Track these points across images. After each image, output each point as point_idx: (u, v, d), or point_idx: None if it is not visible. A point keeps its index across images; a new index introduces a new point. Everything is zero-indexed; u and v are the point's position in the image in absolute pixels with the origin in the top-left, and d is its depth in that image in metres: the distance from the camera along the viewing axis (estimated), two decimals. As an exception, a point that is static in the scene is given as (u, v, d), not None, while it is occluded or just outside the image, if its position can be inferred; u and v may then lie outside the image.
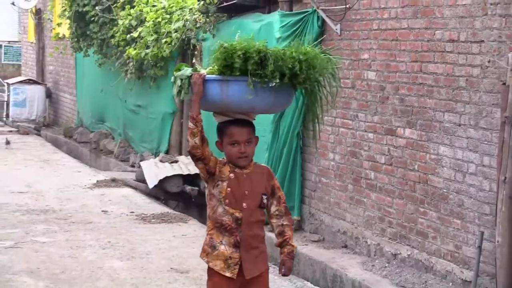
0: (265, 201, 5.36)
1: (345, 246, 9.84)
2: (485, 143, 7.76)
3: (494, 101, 7.60)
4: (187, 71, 5.33)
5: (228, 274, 5.25)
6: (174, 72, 5.43)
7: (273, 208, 5.42)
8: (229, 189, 5.27)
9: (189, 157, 13.99)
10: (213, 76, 5.21)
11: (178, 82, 5.34)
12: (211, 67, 5.29)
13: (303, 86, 5.33)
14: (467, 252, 7.98)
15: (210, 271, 5.33)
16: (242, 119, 5.31)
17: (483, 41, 7.74)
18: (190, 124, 5.19)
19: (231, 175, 5.30)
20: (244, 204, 5.28)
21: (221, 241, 5.29)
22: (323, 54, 5.40)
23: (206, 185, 5.41)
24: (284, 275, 5.39)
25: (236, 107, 5.22)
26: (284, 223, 5.41)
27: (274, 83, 5.11)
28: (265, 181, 5.39)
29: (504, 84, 7.33)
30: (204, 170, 5.27)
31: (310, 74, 5.22)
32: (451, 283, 8.14)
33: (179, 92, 5.35)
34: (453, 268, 8.14)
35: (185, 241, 10.06)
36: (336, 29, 9.85)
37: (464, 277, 7.98)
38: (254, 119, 5.42)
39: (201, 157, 5.21)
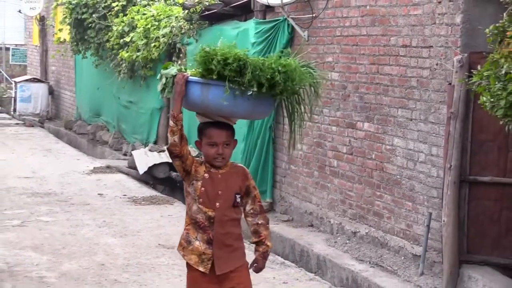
0: (238, 200, 4.93)
1: (311, 225, 9.85)
2: (433, 136, 7.79)
3: (441, 99, 7.63)
4: (172, 70, 4.92)
5: (201, 269, 4.88)
6: (162, 70, 4.99)
7: (248, 207, 5.00)
8: (203, 188, 4.86)
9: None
10: (195, 78, 4.77)
11: (163, 80, 4.92)
12: (195, 69, 4.86)
13: (280, 97, 4.84)
14: (417, 230, 8.01)
15: (188, 265, 4.97)
16: (222, 122, 4.87)
17: (432, 46, 7.76)
18: (171, 122, 4.78)
19: (206, 175, 4.88)
20: (217, 204, 4.86)
21: (196, 237, 4.90)
22: (304, 67, 4.92)
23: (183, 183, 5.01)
24: (254, 272, 5.03)
25: (216, 110, 4.77)
26: (259, 222, 5.01)
27: (251, 92, 4.67)
28: (239, 181, 4.95)
29: (450, 84, 7.36)
30: (181, 167, 4.85)
31: (287, 86, 4.75)
32: (403, 257, 8.17)
33: (163, 89, 4.93)
34: (405, 244, 8.17)
35: (171, 221, 10.04)
36: (304, 35, 9.85)
37: (414, 252, 8.01)
38: (235, 123, 4.98)
39: (178, 154, 4.79)
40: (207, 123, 4.89)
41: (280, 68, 4.70)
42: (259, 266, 5.01)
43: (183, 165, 4.84)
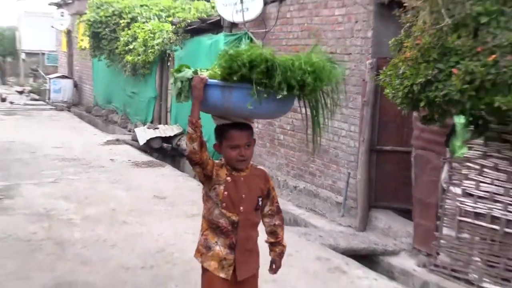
0: (260, 203, 3.66)
1: (264, 181, 9.88)
2: (352, 117, 7.84)
3: (357, 91, 7.68)
4: (187, 73, 3.43)
5: (222, 275, 3.56)
6: (174, 73, 3.47)
7: (266, 208, 3.73)
8: (226, 192, 3.53)
9: (166, 125, 14.01)
10: (215, 81, 3.36)
11: (178, 84, 3.43)
12: (211, 70, 3.49)
13: (308, 98, 3.56)
14: (340, 185, 8.09)
15: (204, 270, 3.64)
16: (241, 122, 3.52)
17: (351, 53, 7.79)
18: (189, 129, 3.38)
19: (228, 178, 3.55)
20: (241, 208, 3.56)
21: (216, 241, 3.58)
22: (329, 64, 3.52)
23: (202, 186, 3.63)
24: (274, 273, 3.79)
25: (238, 113, 3.41)
26: (276, 222, 3.75)
27: (281, 95, 3.33)
28: (261, 184, 3.66)
29: (364, 80, 7.42)
30: (202, 174, 3.51)
31: (317, 86, 3.43)
32: (329, 204, 8.24)
33: (179, 94, 3.44)
34: (331, 195, 8.24)
35: (163, 179, 9.99)
36: (260, 45, 9.81)
37: (338, 200, 8.08)
38: (253, 122, 3.65)
39: (199, 162, 3.44)
40: (226, 125, 3.52)
41: (309, 69, 3.38)
42: (277, 266, 3.78)
43: (204, 171, 3.51)
